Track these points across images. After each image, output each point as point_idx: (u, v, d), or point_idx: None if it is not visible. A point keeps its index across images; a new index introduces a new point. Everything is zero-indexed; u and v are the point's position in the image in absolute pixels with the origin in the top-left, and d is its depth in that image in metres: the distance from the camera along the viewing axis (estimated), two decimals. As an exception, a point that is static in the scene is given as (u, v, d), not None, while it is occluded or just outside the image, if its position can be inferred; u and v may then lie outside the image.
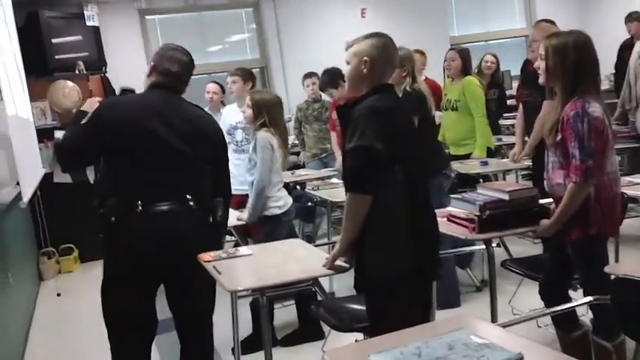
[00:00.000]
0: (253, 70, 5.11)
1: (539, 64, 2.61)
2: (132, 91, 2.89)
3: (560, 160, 2.55)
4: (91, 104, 2.74)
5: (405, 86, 3.76)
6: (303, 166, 5.99)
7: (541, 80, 2.64)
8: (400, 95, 3.65)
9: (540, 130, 3.95)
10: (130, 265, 2.57)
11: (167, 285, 2.68)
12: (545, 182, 2.68)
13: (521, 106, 4.40)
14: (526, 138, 4.34)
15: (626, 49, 6.37)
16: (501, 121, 6.69)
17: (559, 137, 2.51)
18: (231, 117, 4.53)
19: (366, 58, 2.31)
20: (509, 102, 6.61)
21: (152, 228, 2.52)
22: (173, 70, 2.66)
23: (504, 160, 4.92)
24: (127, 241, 2.56)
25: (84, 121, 2.67)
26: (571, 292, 2.79)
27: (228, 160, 2.87)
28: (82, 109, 2.78)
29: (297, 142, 6.18)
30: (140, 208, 2.51)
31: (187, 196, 2.59)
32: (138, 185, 2.55)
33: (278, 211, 3.58)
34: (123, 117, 2.58)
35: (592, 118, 2.43)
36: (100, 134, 2.57)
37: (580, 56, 2.50)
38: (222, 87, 5.30)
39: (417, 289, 2.30)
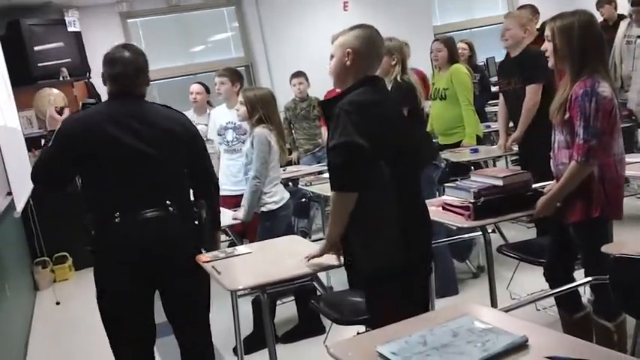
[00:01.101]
0: (239, 69, 5.08)
1: (547, 46, 2.61)
2: (94, 103, 2.85)
3: (567, 139, 2.53)
4: (58, 123, 2.66)
5: (395, 75, 3.76)
6: (297, 163, 5.99)
7: (550, 63, 2.63)
8: (389, 86, 3.65)
9: (527, 114, 3.98)
10: (117, 275, 2.53)
11: (159, 291, 2.66)
12: (551, 161, 2.67)
13: (501, 96, 4.41)
14: (510, 124, 4.37)
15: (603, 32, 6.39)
16: (487, 108, 6.71)
17: (567, 116, 2.50)
18: (221, 117, 4.50)
19: (349, 49, 2.24)
20: (493, 89, 6.62)
21: (133, 238, 2.48)
22: (115, 72, 2.55)
23: (494, 146, 4.94)
24: (111, 253, 2.53)
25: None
26: (575, 274, 2.79)
27: (207, 157, 2.79)
28: (50, 129, 2.72)
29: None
30: (118, 219, 2.47)
31: (167, 201, 2.53)
32: (112, 197, 2.51)
33: (274, 207, 3.60)
34: (84, 129, 2.51)
35: (601, 98, 2.43)
36: (65, 147, 2.52)
37: (586, 35, 2.50)
38: (206, 87, 5.26)
39: (410, 285, 2.22)
